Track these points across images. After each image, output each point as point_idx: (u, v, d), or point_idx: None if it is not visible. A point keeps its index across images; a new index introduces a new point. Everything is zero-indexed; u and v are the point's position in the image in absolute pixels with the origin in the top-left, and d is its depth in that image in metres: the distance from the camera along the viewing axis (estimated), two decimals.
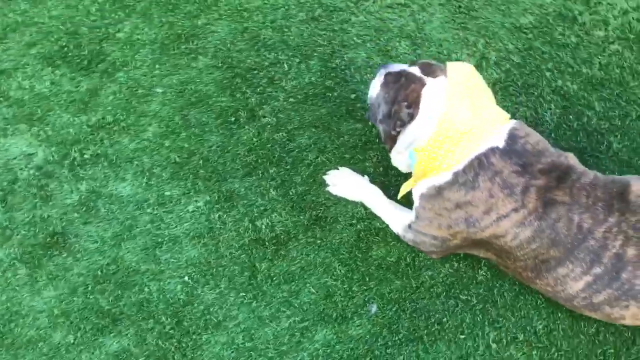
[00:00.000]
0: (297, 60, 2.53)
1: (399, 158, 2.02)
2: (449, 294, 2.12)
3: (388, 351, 2.07)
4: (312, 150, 2.37)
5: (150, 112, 2.41)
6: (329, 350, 2.08)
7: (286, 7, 2.58)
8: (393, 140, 1.95)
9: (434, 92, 1.88)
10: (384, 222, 2.21)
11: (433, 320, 2.10)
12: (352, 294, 2.16)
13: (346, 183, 2.27)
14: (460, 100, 1.83)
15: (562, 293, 1.86)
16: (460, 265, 2.15)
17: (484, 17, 2.51)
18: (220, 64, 2.50)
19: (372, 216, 2.24)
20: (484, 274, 2.14)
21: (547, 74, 2.42)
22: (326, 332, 2.11)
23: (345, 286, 2.17)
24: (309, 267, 2.19)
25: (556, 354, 2.03)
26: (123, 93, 2.43)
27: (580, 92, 2.37)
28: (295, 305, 2.15)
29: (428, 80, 1.91)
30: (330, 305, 2.14)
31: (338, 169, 2.32)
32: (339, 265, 2.19)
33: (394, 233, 2.17)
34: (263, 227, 2.25)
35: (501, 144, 1.81)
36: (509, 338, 2.06)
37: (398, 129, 1.90)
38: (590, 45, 2.44)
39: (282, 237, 2.23)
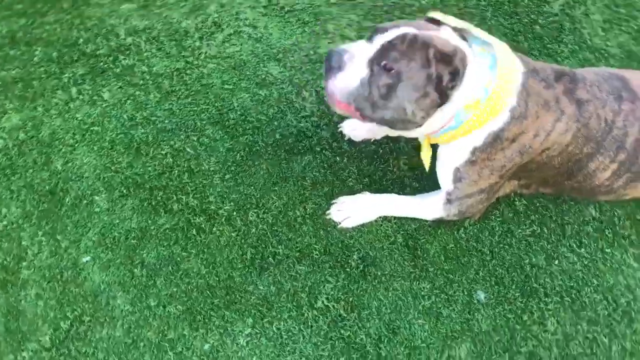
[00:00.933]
0: (195, 136, 2.17)
1: (437, 125, 1.79)
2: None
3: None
4: (294, 205, 2.04)
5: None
6: None
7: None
8: (433, 109, 1.72)
9: (460, 41, 1.75)
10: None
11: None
12: (453, 296, 1.88)
13: (355, 208, 1.99)
14: (490, 37, 1.77)
15: (588, 186, 1.94)
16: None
17: None
18: (125, 192, 2.05)
19: (401, 222, 2.02)
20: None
21: None
22: (467, 345, 1.78)
23: (444, 295, 1.88)
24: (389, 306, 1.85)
25: None
26: None
27: None
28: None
29: (444, 31, 1.75)
30: (446, 322, 1.83)
31: (334, 202, 2.03)
32: (422, 284, 1.90)
33: (431, 221, 1.99)
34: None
35: (524, 67, 1.79)
36: None
37: (449, 92, 1.70)
38: None
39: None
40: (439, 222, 2.00)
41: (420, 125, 1.77)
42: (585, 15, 2.58)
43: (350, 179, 2.11)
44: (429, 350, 1.77)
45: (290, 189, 2.08)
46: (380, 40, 1.72)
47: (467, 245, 1.98)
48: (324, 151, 2.18)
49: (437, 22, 1.79)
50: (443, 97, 1.70)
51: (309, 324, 1.81)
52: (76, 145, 2.21)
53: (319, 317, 1.82)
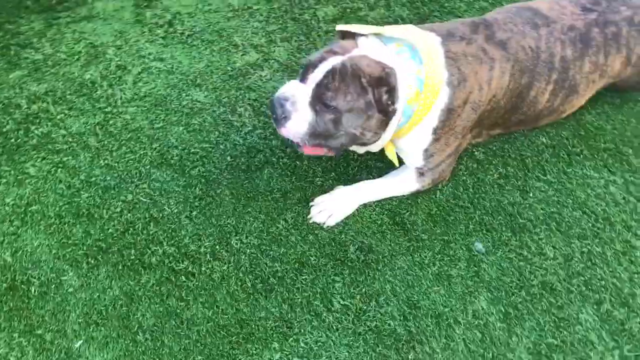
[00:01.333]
0: (144, 183, 2.08)
1: (392, 131, 1.86)
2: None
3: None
4: (273, 220, 1.99)
5: None
6: None
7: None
8: (382, 125, 1.81)
9: (378, 48, 1.82)
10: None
11: None
12: (454, 256, 1.92)
13: (334, 204, 1.98)
14: (399, 30, 1.85)
15: (532, 114, 2.07)
16: None
17: None
18: (94, 262, 1.94)
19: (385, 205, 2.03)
20: None
21: None
22: (485, 295, 1.84)
23: (446, 258, 1.92)
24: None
25: None
26: None
27: None
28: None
29: (362, 44, 1.83)
30: (457, 281, 1.87)
31: (312, 205, 2.01)
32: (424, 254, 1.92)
33: (408, 195, 2.04)
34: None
35: (438, 36, 1.88)
36: None
37: (391, 108, 1.77)
38: None
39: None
40: (416, 194, 2.03)
41: (377, 140, 1.84)
42: None
43: (317, 178, 2.10)
44: (452, 312, 1.80)
45: (263, 206, 2.03)
46: (313, 79, 1.77)
47: (449, 205, 2.03)
48: (281, 160, 2.15)
49: (352, 35, 1.85)
50: (387, 113, 1.78)
51: (334, 327, 1.77)
52: (19, 231, 2.01)
53: (340, 317, 1.79)
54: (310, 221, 1.98)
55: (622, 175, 2.07)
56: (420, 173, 1.99)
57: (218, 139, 2.22)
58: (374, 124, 1.79)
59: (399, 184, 2.01)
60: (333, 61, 1.76)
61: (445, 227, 1.98)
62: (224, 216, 2.01)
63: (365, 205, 2.02)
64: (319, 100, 1.75)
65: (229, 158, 2.16)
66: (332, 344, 1.75)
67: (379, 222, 1.99)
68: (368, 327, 1.78)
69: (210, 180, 2.10)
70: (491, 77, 1.90)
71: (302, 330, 1.77)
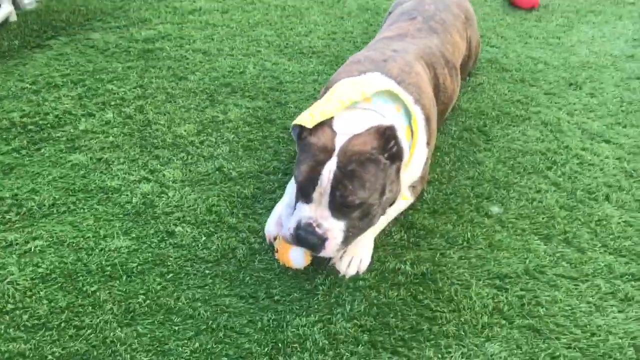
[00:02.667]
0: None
1: (404, 168, 1.82)
2: None
3: None
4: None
5: None
6: None
7: None
8: (400, 166, 1.76)
9: (356, 115, 1.75)
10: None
11: None
12: (481, 229, 1.88)
13: (357, 249, 1.78)
14: (346, 91, 1.80)
15: (447, 100, 2.23)
16: None
17: None
18: None
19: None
20: None
21: None
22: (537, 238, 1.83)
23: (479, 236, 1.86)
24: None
25: None
26: None
27: None
28: None
29: (337, 131, 1.68)
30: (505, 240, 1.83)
31: (334, 263, 1.76)
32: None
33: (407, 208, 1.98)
34: None
35: (376, 71, 1.95)
36: None
37: (401, 155, 1.72)
38: None
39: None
40: (411, 207, 1.97)
41: (399, 187, 1.80)
42: None
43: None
44: (523, 277, 1.73)
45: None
46: (321, 195, 1.63)
47: (444, 191, 2.02)
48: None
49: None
50: (400, 159, 1.74)
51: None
52: None
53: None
54: (347, 276, 1.72)
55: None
56: (413, 185, 1.95)
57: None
58: (393, 174, 1.73)
59: (396, 204, 1.92)
60: (329, 168, 1.62)
61: (455, 211, 1.94)
62: None
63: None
64: (341, 206, 1.62)
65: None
66: None
67: (398, 238, 1.84)
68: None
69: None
70: (422, 73, 2.03)
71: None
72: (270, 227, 1.82)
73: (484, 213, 1.97)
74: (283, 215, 1.80)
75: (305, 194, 1.65)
